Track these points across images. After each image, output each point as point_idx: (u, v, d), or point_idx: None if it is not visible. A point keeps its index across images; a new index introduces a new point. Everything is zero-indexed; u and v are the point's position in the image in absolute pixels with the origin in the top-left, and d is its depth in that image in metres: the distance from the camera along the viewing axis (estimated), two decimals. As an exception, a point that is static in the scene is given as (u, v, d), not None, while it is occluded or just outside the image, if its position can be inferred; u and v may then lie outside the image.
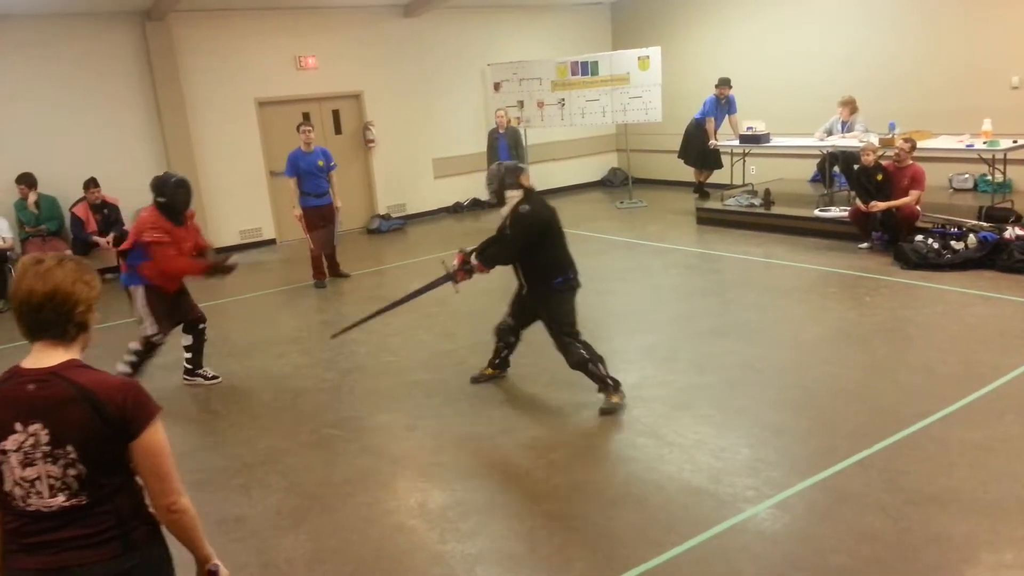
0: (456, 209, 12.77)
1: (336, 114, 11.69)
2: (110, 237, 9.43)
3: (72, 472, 1.92)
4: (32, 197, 9.15)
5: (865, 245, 8.30)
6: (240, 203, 10.90)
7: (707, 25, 12.48)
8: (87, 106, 9.70)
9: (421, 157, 12.44)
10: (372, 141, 11.83)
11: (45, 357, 1.96)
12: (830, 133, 9.67)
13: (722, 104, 11.15)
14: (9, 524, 1.98)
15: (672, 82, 11.87)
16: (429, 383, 5.63)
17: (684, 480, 4.03)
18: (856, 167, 8.36)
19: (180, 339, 5.88)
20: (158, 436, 2.01)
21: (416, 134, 12.28)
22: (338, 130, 11.72)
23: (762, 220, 9.64)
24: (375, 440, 4.84)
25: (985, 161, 8.70)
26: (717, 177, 11.53)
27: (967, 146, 8.44)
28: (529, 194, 4.83)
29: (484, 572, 3.42)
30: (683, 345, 6.04)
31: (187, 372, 5.97)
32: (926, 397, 4.73)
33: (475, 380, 5.49)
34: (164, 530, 2.11)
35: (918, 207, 7.94)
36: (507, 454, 4.51)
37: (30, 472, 1.92)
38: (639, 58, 11.26)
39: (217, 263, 5.62)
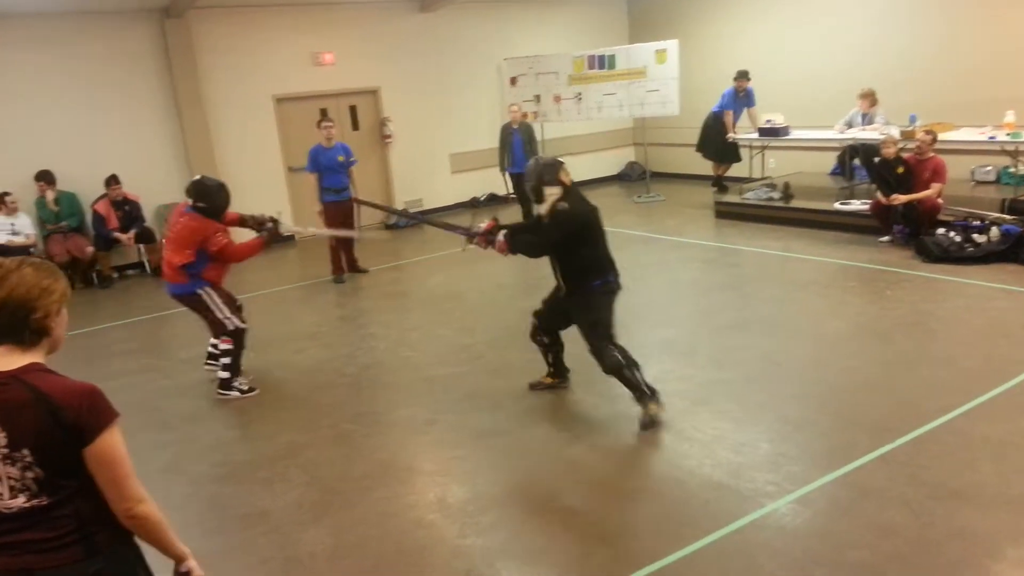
0: (473, 204, 12.77)
1: (353, 110, 11.73)
2: (131, 234, 9.53)
3: (30, 475, 1.92)
4: (51, 195, 9.26)
5: (886, 238, 8.23)
6: (258, 199, 10.84)
7: (725, 17, 12.39)
8: (107, 103, 9.79)
9: (438, 152, 12.46)
10: (389, 136, 11.87)
11: (5, 361, 1.96)
12: (850, 126, 9.59)
13: (740, 97, 11.07)
14: None
15: (690, 75, 11.80)
16: (448, 378, 5.65)
17: (704, 475, 4.03)
18: (877, 160, 8.29)
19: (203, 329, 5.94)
20: (112, 443, 1.96)
21: (433, 129, 12.30)
22: (355, 126, 11.75)
23: (781, 214, 9.58)
24: (394, 435, 4.87)
25: (1008, 153, 8.60)
26: (735, 171, 11.48)
27: (989, 138, 8.36)
28: (568, 191, 4.60)
29: (504, 566, 3.44)
30: (702, 340, 6.02)
31: (211, 356, 6.08)
32: (948, 391, 4.69)
33: (532, 387, 5.29)
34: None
35: (940, 200, 7.86)
36: (526, 449, 4.51)
37: None
38: (656, 51, 11.20)
39: (270, 235, 5.71)
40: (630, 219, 10.67)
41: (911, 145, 8.16)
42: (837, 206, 9.07)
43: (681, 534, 3.52)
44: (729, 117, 11.08)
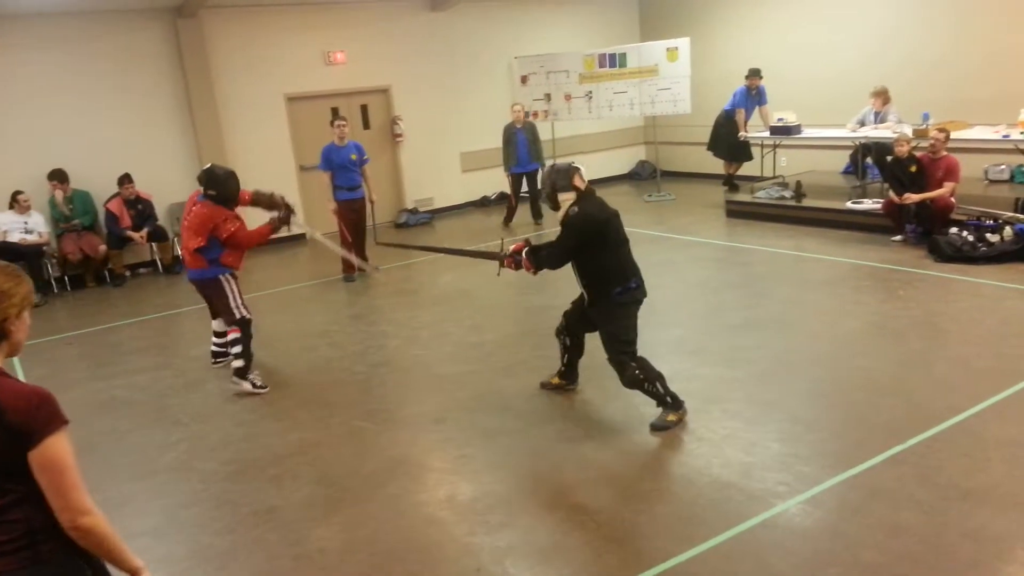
0: (483, 203, 12.79)
1: (364, 109, 11.75)
2: (144, 232, 9.58)
3: None
4: (61, 194, 9.30)
5: (898, 238, 8.18)
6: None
7: (736, 15, 12.34)
8: (120, 102, 9.84)
9: (448, 151, 12.47)
10: (400, 135, 11.89)
11: None
12: (863, 124, 9.53)
13: (752, 95, 11.02)
14: None
15: (701, 73, 11.75)
16: (457, 376, 5.66)
17: (714, 475, 4.01)
18: (889, 158, 8.24)
19: (211, 325, 5.99)
20: (57, 449, 1.92)
21: (444, 128, 12.31)
22: (366, 125, 11.77)
23: (793, 213, 9.53)
24: (404, 432, 4.88)
25: (1022, 152, 8.53)
26: (747, 169, 11.43)
27: (1003, 136, 8.29)
28: (583, 196, 4.51)
29: (513, 564, 3.44)
30: (712, 339, 6.00)
31: (216, 356, 6.15)
32: (960, 392, 4.65)
33: (543, 386, 5.28)
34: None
35: (953, 199, 7.81)
36: (535, 447, 4.51)
37: None
38: (667, 49, 11.18)
39: (280, 219, 5.76)
40: (641, 218, 10.63)
41: (924, 143, 8.10)
42: (849, 205, 9.02)
43: (691, 534, 3.51)
44: (741, 115, 11.03)
